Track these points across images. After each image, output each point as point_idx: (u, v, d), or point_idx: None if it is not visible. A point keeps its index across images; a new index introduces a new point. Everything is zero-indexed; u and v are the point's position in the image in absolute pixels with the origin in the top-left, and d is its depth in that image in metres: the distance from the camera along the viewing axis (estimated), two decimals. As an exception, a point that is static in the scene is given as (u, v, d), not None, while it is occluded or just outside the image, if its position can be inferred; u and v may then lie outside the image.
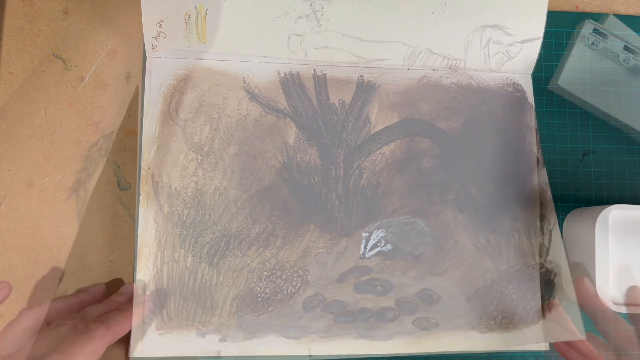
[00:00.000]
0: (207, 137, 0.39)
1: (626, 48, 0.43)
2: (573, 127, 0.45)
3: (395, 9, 0.40)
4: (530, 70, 0.43)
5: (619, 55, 0.43)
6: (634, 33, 0.46)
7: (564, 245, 0.42)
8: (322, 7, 0.39)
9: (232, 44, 0.40)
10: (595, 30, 0.43)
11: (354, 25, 0.40)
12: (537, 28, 0.42)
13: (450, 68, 0.42)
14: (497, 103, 0.43)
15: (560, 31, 0.46)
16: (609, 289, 0.39)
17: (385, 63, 0.42)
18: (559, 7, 0.47)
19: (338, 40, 0.40)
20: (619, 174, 0.45)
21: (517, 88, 0.43)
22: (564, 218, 0.44)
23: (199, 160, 0.39)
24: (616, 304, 0.39)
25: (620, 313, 0.39)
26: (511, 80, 0.43)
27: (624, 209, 0.40)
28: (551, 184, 0.43)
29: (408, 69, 0.42)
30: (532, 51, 0.42)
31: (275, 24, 0.39)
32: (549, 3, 0.42)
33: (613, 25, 0.45)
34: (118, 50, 0.42)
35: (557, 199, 0.44)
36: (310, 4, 0.39)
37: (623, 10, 0.47)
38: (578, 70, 0.43)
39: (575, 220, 0.43)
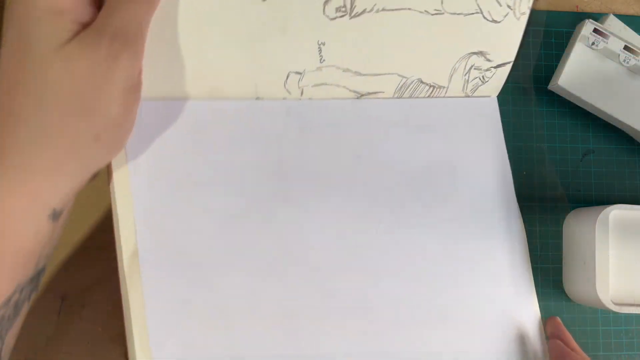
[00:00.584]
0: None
1: (626, 48, 0.43)
2: (573, 127, 0.45)
3: (393, 37, 0.38)
4: (496, 94, 0.43)
5: (619, 55, 0.43)
6: (634, 33, 0.46)
7: (563, 245, 0.42)
8: (325, 43, 0.37)
9: (218, 87, 0.37)
10: (595, 30, 0.43)
11: (355, 58, 0.38)
12: (511, 52, 0.41)
13: (431, 97, 0.41)
14: (470, 119, 0.42)
15: (560, 31, 0.46)
16: (609, 289, 0.39)
17: (378, 96, 0.41)
18: (559, 7, 0.47)
19: (338, 76, 0.39)
20: (619, 174, 0.45)
21: (490, 106, 0.43)
22: (564, 218, 0.44)
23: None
24: (616, 304, 0.39)
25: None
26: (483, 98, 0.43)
27: (624, 209, 0.40)
28: (551, 184, 0.44)
29: None
30: (502, 75, 0.42)
31: (273, 62, 0.37)
32: (549, 3, 0.42)
33: (613, 25, 0.45)
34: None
35: (557, 199, 0.44)
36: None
37: (623, 10, 0.47)
38: (578, 70, 0.43)
39: (575, 220, 0.43)
